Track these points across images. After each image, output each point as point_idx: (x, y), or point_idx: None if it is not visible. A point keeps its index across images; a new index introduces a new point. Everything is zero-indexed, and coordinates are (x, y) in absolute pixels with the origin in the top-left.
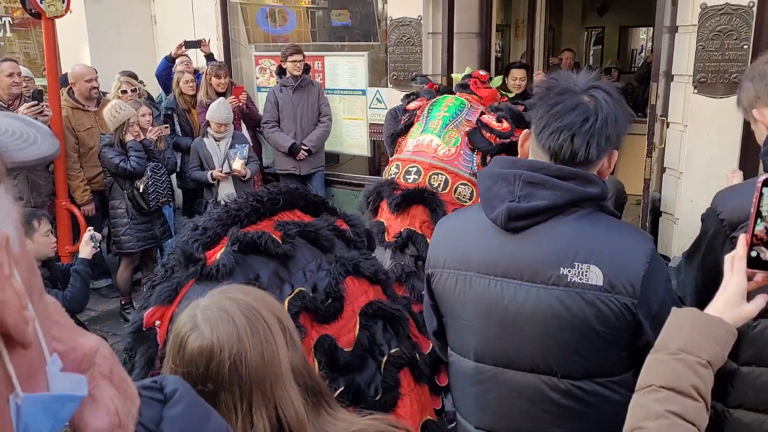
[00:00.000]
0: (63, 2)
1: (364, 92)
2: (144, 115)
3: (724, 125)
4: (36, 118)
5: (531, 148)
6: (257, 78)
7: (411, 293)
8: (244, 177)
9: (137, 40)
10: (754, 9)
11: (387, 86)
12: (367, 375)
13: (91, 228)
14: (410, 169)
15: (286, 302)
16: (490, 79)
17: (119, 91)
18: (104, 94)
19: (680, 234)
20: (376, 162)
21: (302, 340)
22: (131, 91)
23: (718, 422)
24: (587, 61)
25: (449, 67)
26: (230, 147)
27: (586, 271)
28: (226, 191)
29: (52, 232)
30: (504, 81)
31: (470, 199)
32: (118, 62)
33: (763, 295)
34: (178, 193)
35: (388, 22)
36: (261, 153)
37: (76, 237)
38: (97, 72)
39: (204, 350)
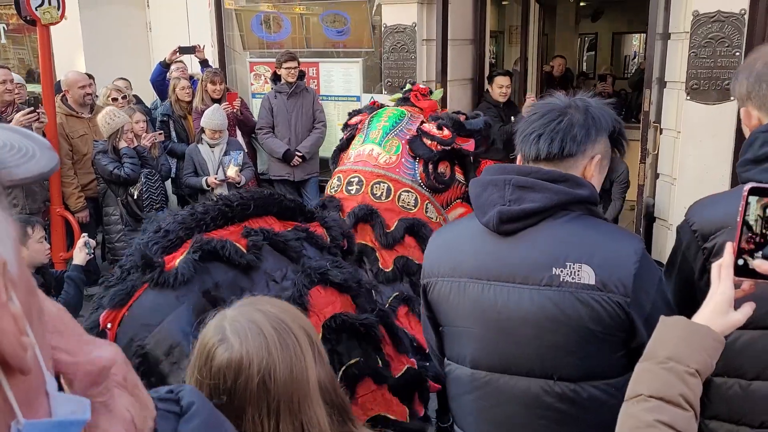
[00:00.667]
0: (58, 9)
1: (358, 98)
2: (138, 122)
3: (716, 132)
4: (32, 126)
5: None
6: (252, 84)
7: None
8: (239, 184)
9: (132, 47)
10: (746, 16)
11: (382, 92)
12: None
13: (85, 234)
14: (352, 180)
15: None
16: (431, 92)
17: (109, 99)
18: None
19: (674, 240)
20: None
21: None
22: (122, 98)
23: None
24: (581, 67)
25: (443, 74)
26: (225, 154)
27: (578, 271)
28: None
29: (46, 239)
30: (445, 94)
31: (415, 207)
32: (113, 69)
33: (751, 304)
34: (173, 200)
35: (383, 28)
36: (256, 159)
37: (71, 244)
38: (93, 78)
39: (232, 363)
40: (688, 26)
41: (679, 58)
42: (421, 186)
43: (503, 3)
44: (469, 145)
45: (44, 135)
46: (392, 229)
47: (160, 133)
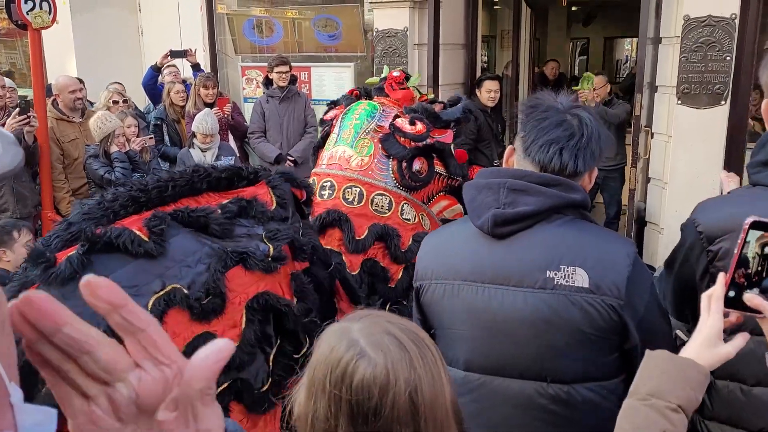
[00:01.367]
0: (49, 14)
1: None
2: (130, 126)
3: (707, 136)
4: (23, 130)
5: (516, 162)
6: (244, 89)
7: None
8: None
9: (124, 51)
10: (737, 21)
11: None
12: (254, 368)
13: None
14: (324, 185)
15: (151, 300)
16: (408, 78)
17: (110, 101)
18: (92, 104)
19: (665, 244)
20: None
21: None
22: (122, 101)
23: None
24: (573, 71)
25: (435, 78)
26: (217, 158)
27: (572, 274)
28: None
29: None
30: (436, 97)
31: (389, 210)
32: (104, 73)
33: (744, 335)
34: None
35: (374, 33)
36: (249, 163)
37: None
38: (83, 83)
39: (377, 379)
40: (679, 30)
41: (670, 62)
42: (397, 186)
43: (495, 8)
44: (445, 137)
45: (35, 139)
46: (363, 237)
47: (151, 138)
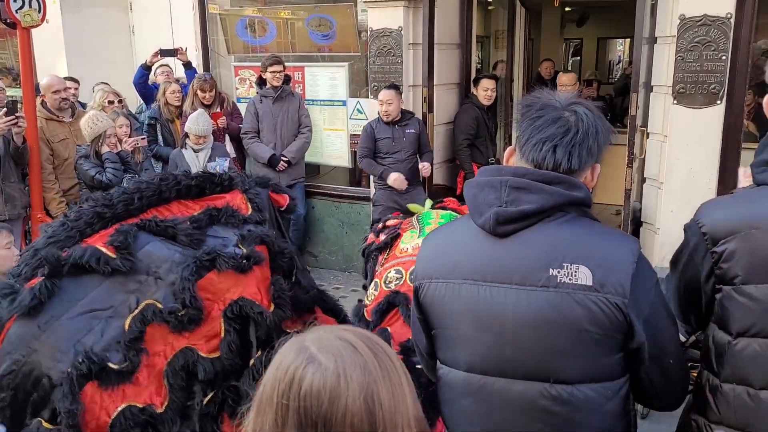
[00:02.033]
0: (39, 12)
1: (344, 103)
2: (121, 126)
3: (703, 136)
4: (11, 130)
5: (516, 162)
6: (237, 89)
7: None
8: None
9: (115, 51)
10: (732, 20)
11: (368, 97)
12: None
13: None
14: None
15: (128, 320)
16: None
17: (105, 101)
18: (83, 105)
19: (661, 244)
20: (357, 173)
21: (150, 360)
22: (117, 102)
23: None
24: (566, 71)
25: (430, 78)
26: (210, 159)
27: (575, 272)
28: None
29: (13, 245)
30: (431, 98)
31: None
32: (95, 73)
33: None
34: None
35: (369, 32)
36: (245, 165)
37: None
38: (78, 82)
39: (327, 383)
40: (674, 30)
41: (665, 62)
42: None
43: (489, 8)
44: None
45: (24, 140)
46: None
47: (143, 138)
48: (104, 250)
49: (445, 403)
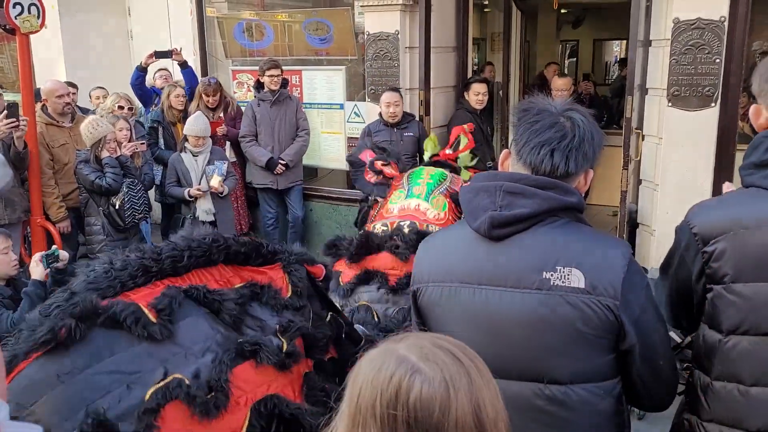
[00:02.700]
0: (38, 18)
1: (341, 106)
2: (122, 130)
3: (698, 138)
4: (12, 133)
5: (511, 165)
6: (234, 92)
7: None
8: (222, 194)
9: (113, 55)
10: (726, 24)
11: (365, 100)
12: None
13: (55, 246)
14: (402, 224)
15: (150, 390)
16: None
17: (116, 106)
18: (83, 109)
19: (658, 246)
20: None
21: None
22: (128, 109)
23: None
24: (561, 75)
25: (426, 81)
26: (209, 163)
27: (568, 275)
28: (205, 207)
29: (12, 250)
30: (428, 101)
31: None
32: (93, 77)
33: None
34: (158, 208)
35: (366, 36)
36: (245, 169)
37: None
38: (77, 87)
39: (437, 394)
40: (668, 33)
41: (660, 65)
42: None
43: (485, 10)
44: None
45: (25, 144)
46: None
47: (142, 143)
48: (146, 311)
49: None
